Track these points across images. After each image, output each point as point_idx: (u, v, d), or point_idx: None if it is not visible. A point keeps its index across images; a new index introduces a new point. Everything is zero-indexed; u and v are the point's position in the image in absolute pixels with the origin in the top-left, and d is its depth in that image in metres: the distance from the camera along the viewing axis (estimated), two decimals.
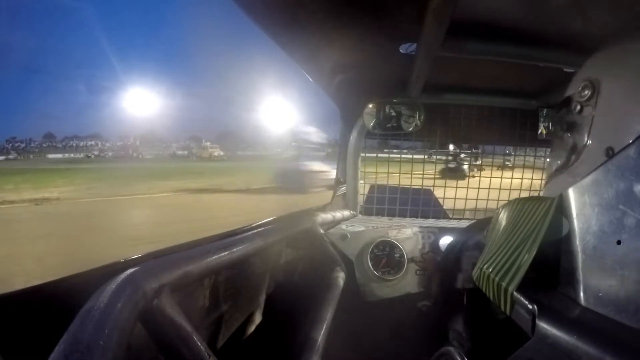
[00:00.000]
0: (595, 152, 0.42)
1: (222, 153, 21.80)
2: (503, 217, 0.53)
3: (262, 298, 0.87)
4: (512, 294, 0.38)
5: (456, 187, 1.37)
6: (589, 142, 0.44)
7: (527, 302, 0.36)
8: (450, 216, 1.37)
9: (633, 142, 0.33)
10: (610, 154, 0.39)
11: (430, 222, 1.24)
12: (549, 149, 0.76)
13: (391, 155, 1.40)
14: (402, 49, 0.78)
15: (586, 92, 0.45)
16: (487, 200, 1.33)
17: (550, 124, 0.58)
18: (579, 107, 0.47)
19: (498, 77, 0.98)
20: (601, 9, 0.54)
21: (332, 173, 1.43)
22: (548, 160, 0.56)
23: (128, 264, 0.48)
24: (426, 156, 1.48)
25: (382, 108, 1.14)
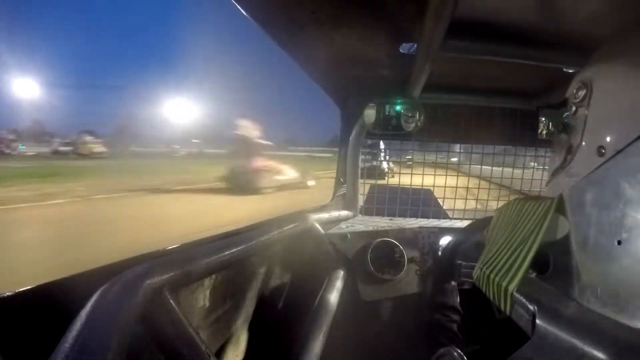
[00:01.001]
0: (588, 152, 0.43)
1: (104, 149, 18.39)
2: (503, 217, 0.53)
3: (262, 298, 0.87)
4: (512, 294, 0.38)
5: (456, 187, 1.37)
6: (583, 142, 0.45)
7: (527, 302, 0.36)
8: (450, 216, 1.37)
9: (633, 142, 0.33)
10: (602, 152, 0.40)
11: (430, 222, 1.24)
12: (548, 149, 0.76)
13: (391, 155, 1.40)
14: (402, 49, 0.78)
15: (580, 93, 0.46)
16: (487, 200, 1.33)
17: (550, 125, 0.59)
18: (574, 109, 0.47)
19: (498, 77, 0.98)
20: (602, 9, 0.54)
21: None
22: (549, 160, 0.58)
23: (128, 264, 0.48)
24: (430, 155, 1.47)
25: (382, 108, 1.14)
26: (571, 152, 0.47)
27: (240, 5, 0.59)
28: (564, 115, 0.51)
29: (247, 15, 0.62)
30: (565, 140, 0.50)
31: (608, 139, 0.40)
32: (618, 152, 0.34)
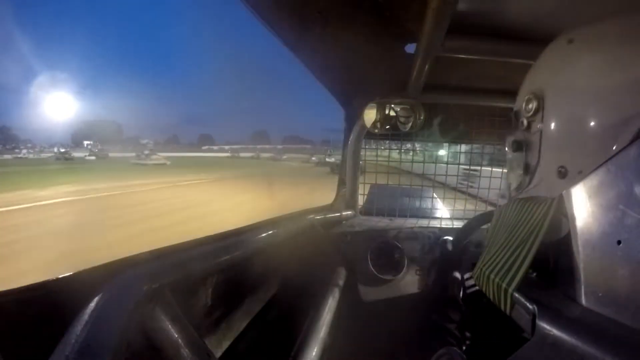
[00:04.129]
0: (547, 173, 0.40)
1: None
2: (503, 217, 0.53)
3: (263, 298, 0.87)
4: (512, 294, 0.38)
5: (456, 187, 1.37)
6: (540, 161, 0.42)
7: (527, 302, 0.36)
8: (450, 216, 1.37)
9: (633, 142, 0.33)
10: (563, 173, 0.37)
11: (430, 222, 1.24)
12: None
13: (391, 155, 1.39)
14: (407, 49, 0.78)
15: (531, 106, 0.42)
16: (487, 200, 1.33)
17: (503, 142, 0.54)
18: (526, 123, 0.43)
19: (498, 77, 0.98)
20: (602, 8, 0.54)
21: None
22: (505, 178, 0.53)
23: (129, 263, 0.48)
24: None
25: (382, 108, 1.14)
26: (529, 173, 0.44)
27: (248, 5, 0.59)
28: (515, 131, 0.46)
29: (255, 15, 0.62)
30: (520, 159, 0.45)
31: (569, 158, 0.37)
32: (620, 151, 0.34)
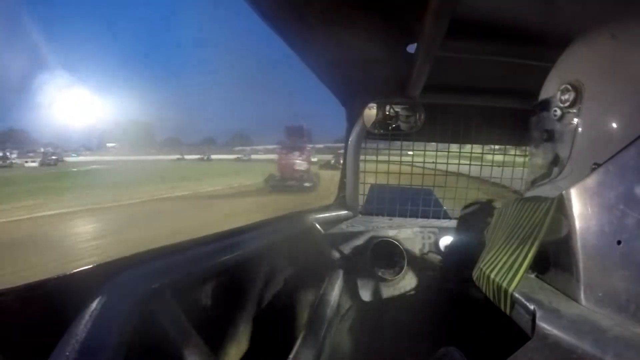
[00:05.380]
0: (580, 167, 0.39)
1: None
2: (503, 217, 0.53)
3: (262, 298, 0.87)
4: (512, 294, 0.38)
5: (456, 187, 1.37)
6: (573, 154, 0.40)
7: (527, 302, 0.36)
8: (450, 216, 1.37)
9: (633, 142, 0.33)
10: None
11: (430, 222, 1.24)
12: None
13: (391, 155, 1.39)
14: (409, 49, 0.78)
15: (567, 96, 0.40)
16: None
17: (529, 128, 0.53)
18: (559, 112, 0.42)
19: (498, 77, 0.98)
20: (603, 8, 0.54)
21: None
22: (528, 167, 0.51)
23: (129, 263, 0.48)
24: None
25: (382, 108, 1.14)
26: (558, 164, 0.43)
27: (250, 3, 0.59)
28: (546, 120, 0.45)
29: (257, 14, 0.62)
30: (550, 149, 0.44)
31: (605, 156, 0.35)
32: (620, 151, 0.34)
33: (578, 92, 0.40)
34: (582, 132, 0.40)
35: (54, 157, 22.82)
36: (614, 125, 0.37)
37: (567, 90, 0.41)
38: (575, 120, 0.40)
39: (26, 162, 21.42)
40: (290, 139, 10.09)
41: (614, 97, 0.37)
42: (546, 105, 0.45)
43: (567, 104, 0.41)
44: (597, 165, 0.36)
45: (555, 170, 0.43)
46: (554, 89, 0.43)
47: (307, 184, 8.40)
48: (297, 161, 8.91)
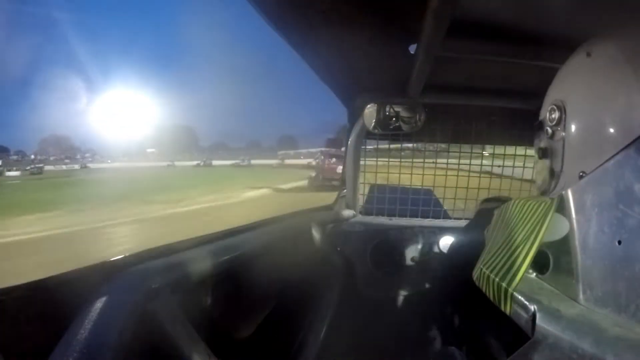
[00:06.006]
0: (570, 178, 0.42)
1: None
2: (503, 217, 0.53)
3: (263, 297, 0.87)
4: (512, 294, 0.38)
5: (456, 187, 1.37)
6: (564, 167, 0.44)
7: (527, 302, 0.36)
8: (450, 216, 1.37)
9: (633, 142, 0.33)
10: (582, 177, 0.39)
11: (430, 222, 1.24)
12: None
13: (391, 156, 1.39)
14: (410, 49, 0.78)
15: (554, 115, 0.45)
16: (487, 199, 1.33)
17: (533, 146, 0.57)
18: (550, 132, 0.46)
19: (498, 77, 0.98)
20: (604, 8, 0.54)
21: None
22: (535, 182, 0.56)
23: (129, 262, 0.48)
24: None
25: (382, 108, 1.14)
26: (554, 178, 0.47)
27: (252, 3, 0.59)
28: (542, 140, 0.49)
29: (259, 14, 0.62)
30: (546, 165, 0.48)
31: (588, 164, 0.39)
32: (620, 150, 0.34)
33: (562, 110, 0.44)
34: (569, 147, 0.43)
35: (39, 166, 20.96)
36: (595, 137, 0.40)
37: (554, 110, 0.45)
38: (562, 136, 0.44)
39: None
40: (331, 147, 11.43)
41: (591, 111, 0.41)
42: (541, 125, 0.49)
43: (554, 122, 0.45)
44: (584, 174, 0.39)
45: (553, 184, 0.47)
46: (545, 110, 0.48)
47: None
48: (339, 166, 10.50)
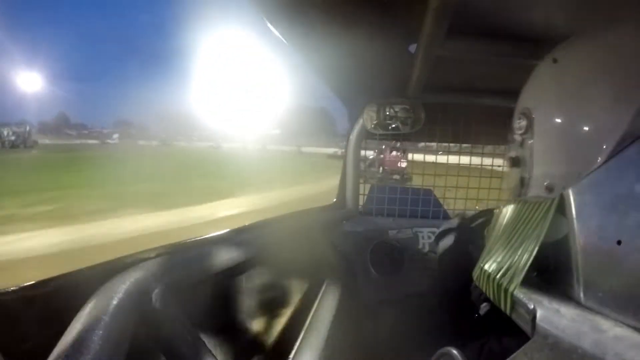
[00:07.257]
0: (538, 187, 0.42)
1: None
2: (503, 216, 0.53)
3: (262, 297, 0.87)
4: (512, 294, 0.38)
5: (456, 187, 1.37)
6: (532, 176, 0.44)
7: (527, 302, 0.36)
8: (450, 216, 1.37)
9: (633, 142, 0.33)
10: (549, 189, 0.39)
11: (430, 222, 1.24)
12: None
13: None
14: (411, 49, 0.78)
15: (522, 123, 0.44)
16: (488, 200, 1.33)
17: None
18: (520, 139, 0.46)
19: (499, 77, 0.98)
20: (602, 9, 0.54)
21: None
22: (505, 187, 0.58)
23: (129, 262, 0.48)
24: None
25: (382, 108, 1.14)
26: (524, 186, 0.46)
27: (251, 3, 0.59)
28: (512, 148, 0.49)
29: (258, 14, 0.62)
30: (517, 173, 0.47)
31: (554, 177, 0.39)
32: (620, 150, 0.34)
33: (529, 118, 0.43)
34: (536, 155, 0.43)
35: None
36: (559, 145, 0.40)
37: (521, 118, 0.45)
38: (530, 143, 0.44)
39: None
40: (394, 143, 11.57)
41: (559, 117, 0.40)
42: (512, 134, 0.49)
43: (522, 130, 0.45)
44: (551, 185, 0.39)
45: (523, 191, 0.47)
46: (515, 118, 0.47)
47: (406, 177, 9.66)
48: (401, 161, 10.47)
